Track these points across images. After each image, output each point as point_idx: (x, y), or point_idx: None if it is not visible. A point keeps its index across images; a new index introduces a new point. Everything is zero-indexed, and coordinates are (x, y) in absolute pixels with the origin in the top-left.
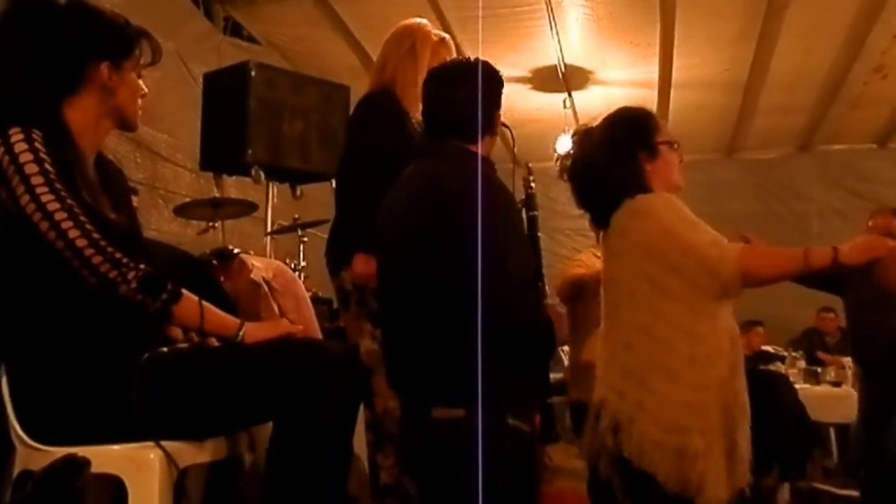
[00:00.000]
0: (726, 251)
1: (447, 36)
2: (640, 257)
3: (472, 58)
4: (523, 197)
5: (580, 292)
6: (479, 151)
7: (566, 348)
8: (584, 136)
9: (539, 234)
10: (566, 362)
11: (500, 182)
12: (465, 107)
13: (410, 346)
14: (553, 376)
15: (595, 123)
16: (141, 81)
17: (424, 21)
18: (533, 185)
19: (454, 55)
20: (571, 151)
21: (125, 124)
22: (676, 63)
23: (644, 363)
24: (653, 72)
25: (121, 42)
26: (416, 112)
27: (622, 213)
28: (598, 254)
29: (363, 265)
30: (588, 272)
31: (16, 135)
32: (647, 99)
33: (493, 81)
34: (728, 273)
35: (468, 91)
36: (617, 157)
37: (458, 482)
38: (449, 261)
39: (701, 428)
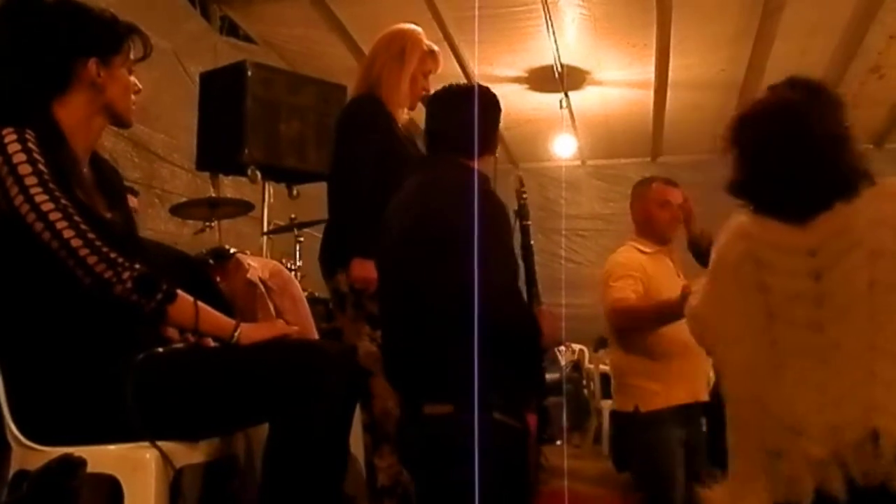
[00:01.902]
0: None
1: (437, 48)
2: None
3: (473, 84)
4: (516, 208)
5: (635, 325)
6: (476, 166)
7: (562, 348)
8: (792, 111)
9: (532, 240)
10: (563, 362)
11: (493, 194)
12: (467, 128)
13: (405, 345)
14: (549, 377)
15: (782, 96)
16: (134, 77)
17: (418, 28)
18: (525, 195)
19: (441, 67)
20: (768, 129)
21: (119, 121)
22: (673, 63)
23: None
24: (649, 72)
25: (108, 38)
26: (400, 114)
27: (875, 197)
28: (645, 249)
29: (360, 269)
30: (638, 298)
31: (9, 135)
32: (644, 99)
33: (494, 105)
34: None
35: (471, 114)
36: (847, 135)
37: (449, 476)
38: (440, 265)
39: None
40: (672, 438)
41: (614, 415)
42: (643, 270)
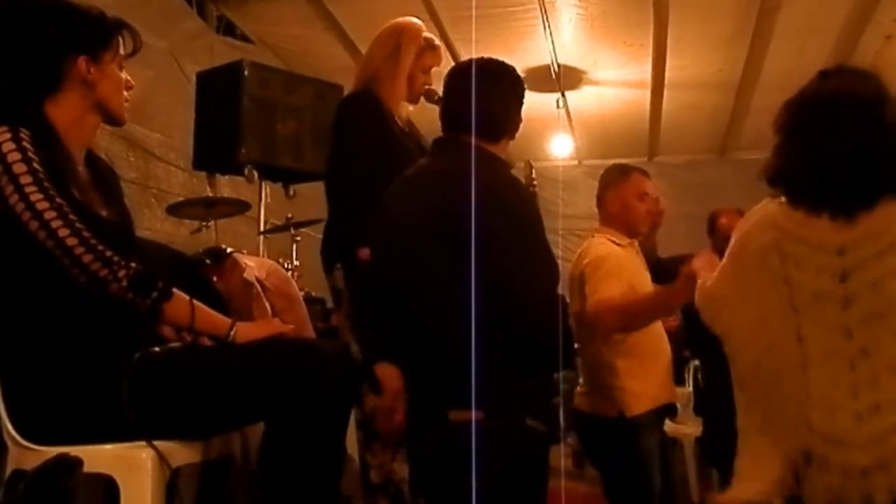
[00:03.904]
0: None
1: (436, 40)
2: None
3: (501, 59)
4: None
5: (630, 323)
6: (497, 153)
7: None
8: (861, 100)
9: None
10: None
11: (523, 185)
12: (494, 106)
13: (427, 348)
14: None
15: (846, 84)
16: (125, 73)
17: (417, 21)
18: (535, 184)
19: (441, 61)
20: (830, 118)
21: (111, 118)
22: (669, 63)
23: None
24: (646, 72)
25: (97, 34)
26: (399, 110)
27: None
28: (619, 241)
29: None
30: (629, 294)
31: (3, 134)
32: (641, 99)
33: (517, 84)
34: None
35: (501, 91)
36: None
37: (478, 483)
38: (468, 263)
39: None
40: (656, 445)
41: (589, 419)
42: (625, 267)
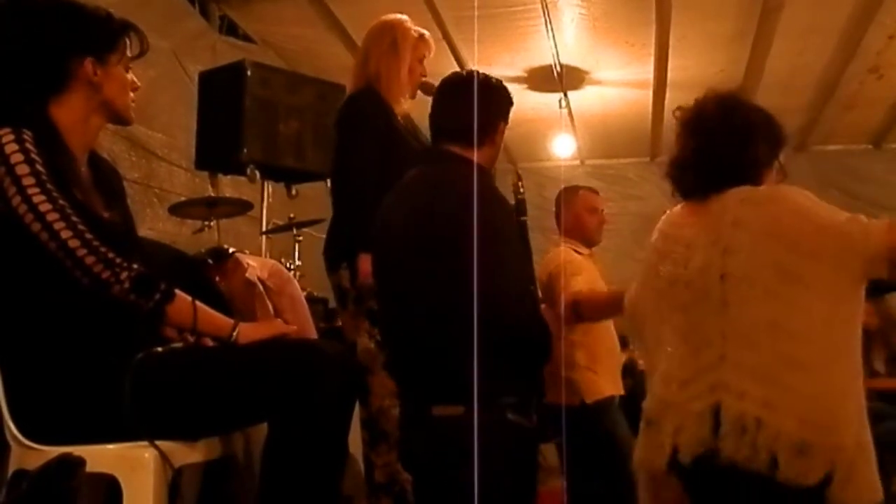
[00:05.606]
0: (869, 226)
1: (426, 32)
2: (766, 246)
3: (483, 73)
4: (513, 203)
5: (597, 314)
6: (478, 161)
7: None
8: (697, 109)
9: (529, 236)
10: None
11: (498, 192)
12: (469, 116)
13: (412, 345)
14: None
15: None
16: (131, 74)
17: (404, 17)
18: (522, 191)
19: (433, 51)
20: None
21: (118, 118)
22: (671, 63)
23: (772, 360)
24: (648, 72)
25: (103, 36)
26: (400, 105)
27: (733, 202)
28: (580, 250)
29: (368, 265)
30: (586, 288)
31: (6, 136)
32: (643, 99)
33: (505, 97)
34: (874, 249)
35: (481, 102)
36: (745, 136)
37: (460, 478)
38: (451, 265)
39: (856, 421)
40: (618, 425)
41: (555, 410)
42: (585, 269)
